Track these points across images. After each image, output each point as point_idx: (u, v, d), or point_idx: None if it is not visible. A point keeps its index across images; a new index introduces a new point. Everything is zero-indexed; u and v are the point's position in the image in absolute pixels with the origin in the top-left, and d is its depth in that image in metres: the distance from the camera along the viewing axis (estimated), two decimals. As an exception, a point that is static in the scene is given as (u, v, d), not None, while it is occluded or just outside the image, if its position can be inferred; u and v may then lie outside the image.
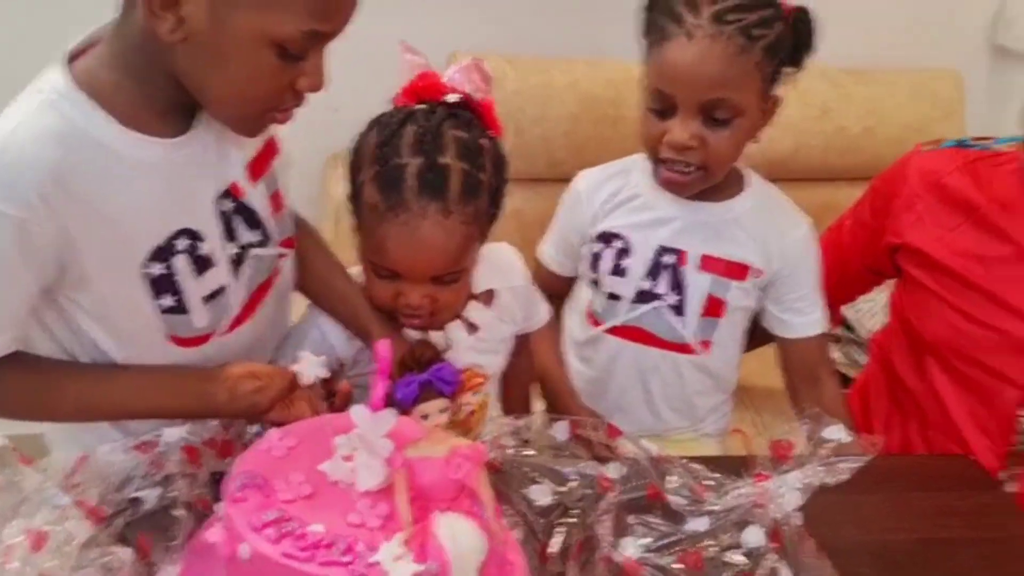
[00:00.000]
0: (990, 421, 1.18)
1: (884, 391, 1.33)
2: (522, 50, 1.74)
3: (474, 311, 1.08)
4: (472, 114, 0.99)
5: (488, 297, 1.10)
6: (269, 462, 0.80)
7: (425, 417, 0.75)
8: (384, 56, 1.75)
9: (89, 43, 0.90)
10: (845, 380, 1.87)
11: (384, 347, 0.74)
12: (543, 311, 1.21)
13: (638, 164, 1.26)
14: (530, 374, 1.26)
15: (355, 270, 1.10)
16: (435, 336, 1.05)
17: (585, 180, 1.30)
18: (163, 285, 0.92)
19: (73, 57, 0.89)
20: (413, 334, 1.04)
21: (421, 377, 0.73)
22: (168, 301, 0.93)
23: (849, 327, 1.90)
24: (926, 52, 2.02)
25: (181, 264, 0.93)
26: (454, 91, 0.99)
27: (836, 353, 1.94)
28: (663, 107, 1.12)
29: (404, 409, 0.76)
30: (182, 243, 0.93)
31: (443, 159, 0.93)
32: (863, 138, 1.89)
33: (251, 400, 0.93)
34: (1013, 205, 1.15)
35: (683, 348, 1.26)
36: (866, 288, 1.44)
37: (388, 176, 0.93)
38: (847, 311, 1.86)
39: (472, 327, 1.08)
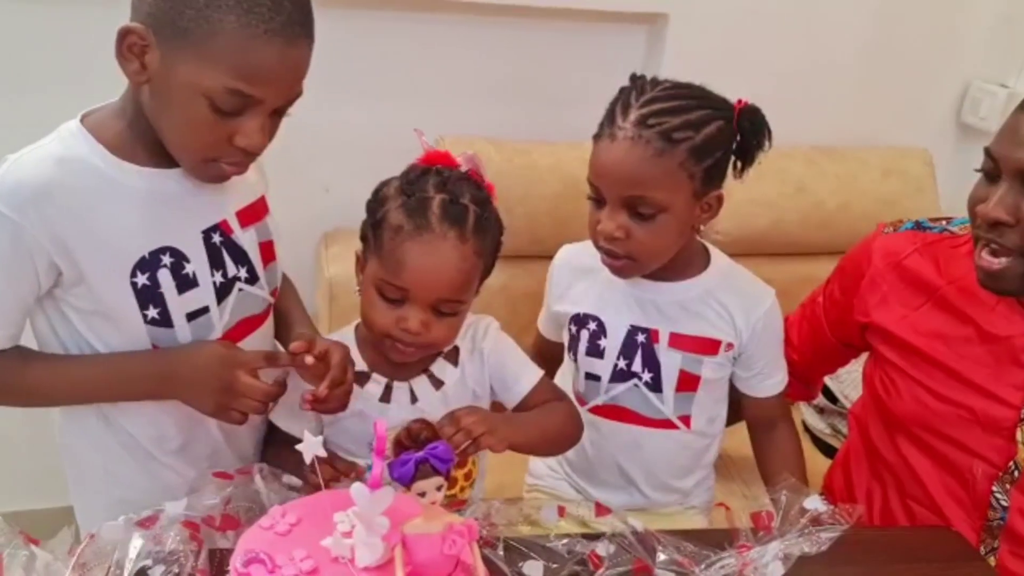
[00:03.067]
0: (964, 495, 1.20)
1: (864, 462, 1.35)
2: (505, 135, 1.82)
3: (439, 366, 1.15)
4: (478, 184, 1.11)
5: (454, 355, 1.16)
6: (272, 538, 0.84)
7: (422, 494, 0.79)
8: (374, 140, 1.84)
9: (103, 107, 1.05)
10: (830, 450, 1.91)
11: (381, 427, 0.78)
12: (524, 379, 1.18)
13: None
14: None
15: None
16: (400, 388, 1.13)
17: (563, 253, 1.37)
18: (148, 296, 1.02)
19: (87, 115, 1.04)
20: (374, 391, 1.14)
21: (417, 456, 0.77)
22: (152, 313, 1.03)
23: (832, 398, 1.93)
24: (896, 130, 2.10)
25: (165, 278, 1.03)
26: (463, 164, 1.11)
27: (821, 424, 1.97)
28: (597, 197, 1.18)
29: (401, 487, 0.79)
30: (166, 259, 1.03)
31: (462, 199, 1.05)
32: (838, 213, 1.95)
33: (228, 416, 1.04)
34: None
35: (665, 424, 1.29)
36: (843, 361, 1.48)
37: (415, 204, 1.04)
38: (830, 382, 1.90)
39: (438, 383, 1.14)
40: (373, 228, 1.08)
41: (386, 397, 1.15)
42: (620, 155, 1.12)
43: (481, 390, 1.19)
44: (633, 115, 1.12)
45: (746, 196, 1.92)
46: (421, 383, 1.15)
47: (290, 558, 0.80)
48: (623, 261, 1.19)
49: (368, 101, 1.89)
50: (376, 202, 1.09)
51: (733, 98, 1.19)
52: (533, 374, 1.19)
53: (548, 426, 1.15)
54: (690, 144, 1.12)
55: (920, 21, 2.05)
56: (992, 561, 1.19)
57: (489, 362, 1.17)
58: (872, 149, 2.05)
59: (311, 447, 0.78)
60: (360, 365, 1.14)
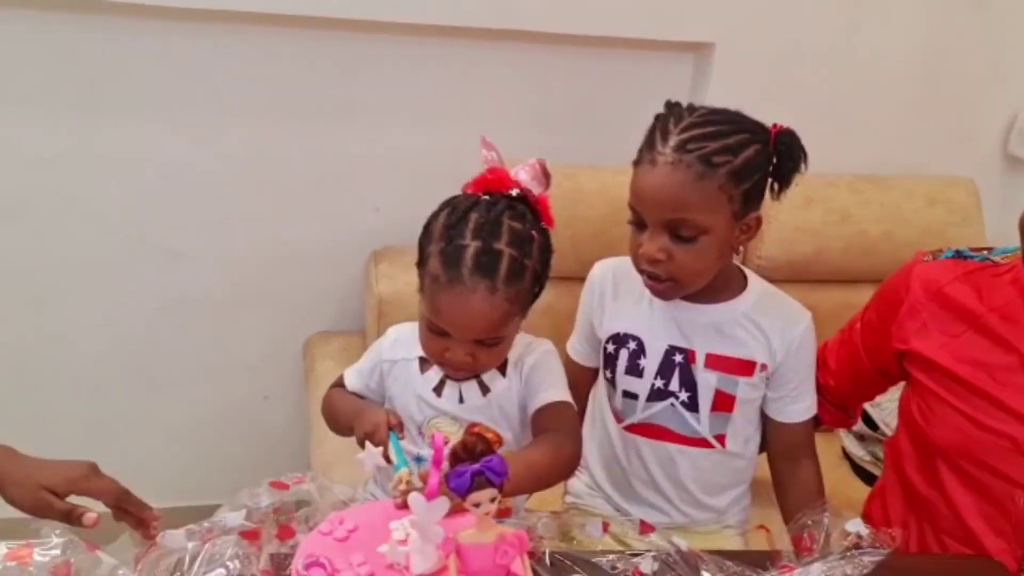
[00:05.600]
0: (1004, 524, 1.20)
1: (899, 495, 1.35)
2: (553, 159, 1.85)
3: (490, 375, 1.21)
4: (529, 208, 1.14)
5: (504, 366, 1.21)
6: (332, 544, 0.88)
7: (476, 505, 0.82)
8: (423, 162, 1.89)
9: None
10: (870, 477, 1.91)
11: (439, 440, 0.82)
12: (545, 394, 1.19)
13: None
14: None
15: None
16: (451, 386, 1.20)
17: (600, 268, 1.41)
18: None
19: None
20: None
21: (473, 468, 0.80)
22: None
23: (873, 425, 1.93)
24: (942, 160, 2.11)
25: None
26: (517, 186, 1.14)
27: (860, 451, 1.97)
28: (638, 221, 1.21)
29: (457, 498, 0.82)
30: None
31: (497, 245, 1.09)
32: (882, 241, 1.96)
33: None
34: (1014, 315, 1.19)
35: (700, 442, 1.32)
36: (879, 389, 1.47)
37: (451, 254, 1.09)
38: (870, 409, 1.90)
39: (486, 389, 1.20)
40: (420, 266, 1.14)
41: (439, 390, 1.21)
42: (661, 179, 1.15)
43: (523, 402, 1.23)
44: (673, 141, 1.15)
45: (791, 223, 1.95)
46: (470, 387, 1.21)
47: (348, 563, 0.84)
48: (665, 284, 1.22)
49: (419, 125, 1.95)
50: (424, 238, 1.14)
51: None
52: (556, 395, 1.19)
53: (536, 461, 1.10)
54: (729, 167, 1.15)
55: (967, 51, 2.06)
56: (1034, 588, 1.19)
57: (525, 374, 1.21)
58: (917, 178, 2.05)
59: (371, 457, 0.81)
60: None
